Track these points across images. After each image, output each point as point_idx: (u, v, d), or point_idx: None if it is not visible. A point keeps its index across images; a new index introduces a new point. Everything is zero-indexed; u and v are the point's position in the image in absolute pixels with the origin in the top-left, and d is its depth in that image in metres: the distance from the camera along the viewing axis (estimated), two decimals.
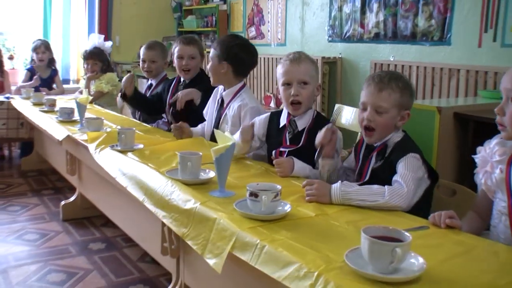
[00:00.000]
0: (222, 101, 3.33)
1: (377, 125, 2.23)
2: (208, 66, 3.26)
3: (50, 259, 3.34)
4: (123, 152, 2.93)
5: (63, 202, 4.13)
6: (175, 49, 3.88)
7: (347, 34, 5.34)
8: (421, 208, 2.09)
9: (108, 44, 5.42)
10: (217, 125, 3.29)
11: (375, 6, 5.05)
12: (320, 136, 2.38)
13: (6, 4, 7.02)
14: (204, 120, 3.54)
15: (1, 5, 6.99)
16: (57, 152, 4.60)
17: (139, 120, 4.44)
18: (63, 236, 3.74)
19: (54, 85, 6.27)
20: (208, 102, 3.51)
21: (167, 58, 4.58)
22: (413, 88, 2.34)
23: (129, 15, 7.54)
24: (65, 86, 6.52)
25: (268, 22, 6.34)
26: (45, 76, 6.16)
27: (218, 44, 3.26)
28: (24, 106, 5.14)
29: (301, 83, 2.61)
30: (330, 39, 5.51)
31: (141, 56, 4.49)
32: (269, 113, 2.88)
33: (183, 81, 3.95)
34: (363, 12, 5.17)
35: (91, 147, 3.13)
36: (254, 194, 1.82)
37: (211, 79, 3.30)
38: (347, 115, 4.01)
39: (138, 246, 3.15)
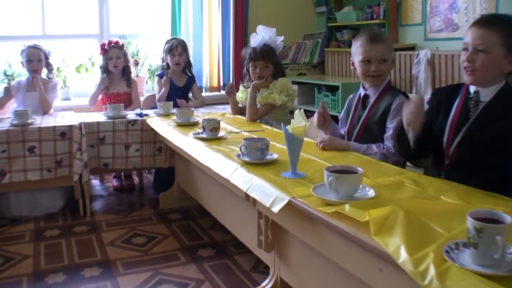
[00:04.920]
0: None
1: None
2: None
3: None
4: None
5: None
6: None
7: None
8: None
9: (280, 40, 3.49)
10: None
11: None
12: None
13: (128, 4, 5.25)
14: None
15: (122, 5, 5.23)
16: (221, 197, 2.75)
17: None
18: None
19: (190, 95, 4.43)
20: None
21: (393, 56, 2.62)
22: None
23: (266, 11, 5.63)
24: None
25: (465, 9, 4.25)
26: (180, 84, 4.35)
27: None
28: (166, 128, 3.31)
29: None
30: None
31: (361, 54, 2.54)
32: None
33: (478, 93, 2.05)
34: None
35: (395, 251, 1.20)
36: None
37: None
38: None
39: None
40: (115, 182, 4.31)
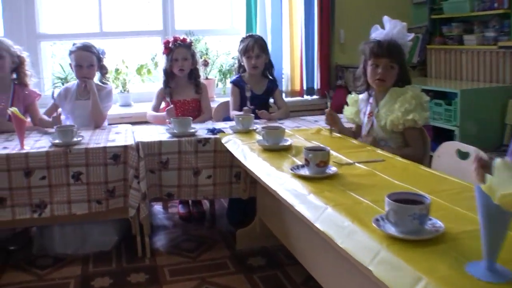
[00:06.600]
0: None
1: None
2: None
3: None
4: None
5: None
6: None
7: None
8: None
9: (410, 37, 2.58)
10: None
11: None
12: None
13: None
14: None
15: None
16: (324, 251, 1.88)
17: None
18: None
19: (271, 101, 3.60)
20: None
21: None
22: None
23: (355, 2, 4.69)
24: None
25: None
26: (259, 91, 3.53)
27: None
28: (249, 155, 2.46)
29: None
30: None
31: None
32: None
33: None
34: None
35: None
36: None
37: None
38: None
39: None
40: (181, 209, 3.51)
